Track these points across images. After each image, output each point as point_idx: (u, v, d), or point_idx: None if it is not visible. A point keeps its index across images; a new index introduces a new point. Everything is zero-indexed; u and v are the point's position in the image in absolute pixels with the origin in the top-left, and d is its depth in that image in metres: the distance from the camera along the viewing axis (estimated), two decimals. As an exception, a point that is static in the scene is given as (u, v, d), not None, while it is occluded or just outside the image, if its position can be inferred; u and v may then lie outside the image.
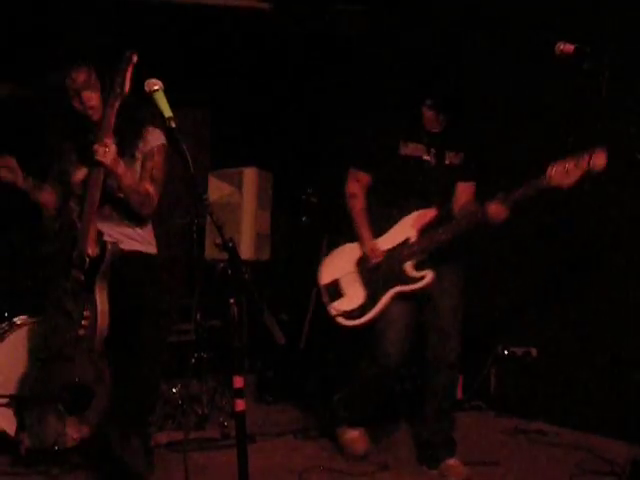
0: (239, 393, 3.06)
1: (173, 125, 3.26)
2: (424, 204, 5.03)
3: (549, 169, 4.52)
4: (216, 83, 8.47)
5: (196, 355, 6.44)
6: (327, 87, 8.18)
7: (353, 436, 5.45)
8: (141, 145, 4.67)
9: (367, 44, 7.81)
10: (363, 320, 5.04)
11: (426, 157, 5.03)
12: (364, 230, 5.13)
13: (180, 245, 7.83)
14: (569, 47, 4.13)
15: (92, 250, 4.45)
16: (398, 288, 5.00)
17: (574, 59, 4.12)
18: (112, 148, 4.30)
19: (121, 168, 4.41)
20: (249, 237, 6.78)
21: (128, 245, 4.70)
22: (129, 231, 4.74)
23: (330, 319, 5.15)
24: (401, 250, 5.02)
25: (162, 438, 5.71)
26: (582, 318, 5.96)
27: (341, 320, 5.11)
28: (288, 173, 7.78)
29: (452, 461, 5.12)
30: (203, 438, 5.82)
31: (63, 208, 4.78)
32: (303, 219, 7.70)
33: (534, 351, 6.31)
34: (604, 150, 4.41)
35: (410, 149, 5.04)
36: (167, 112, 3.32)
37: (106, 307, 4.48)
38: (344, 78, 8.01)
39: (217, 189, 6.99)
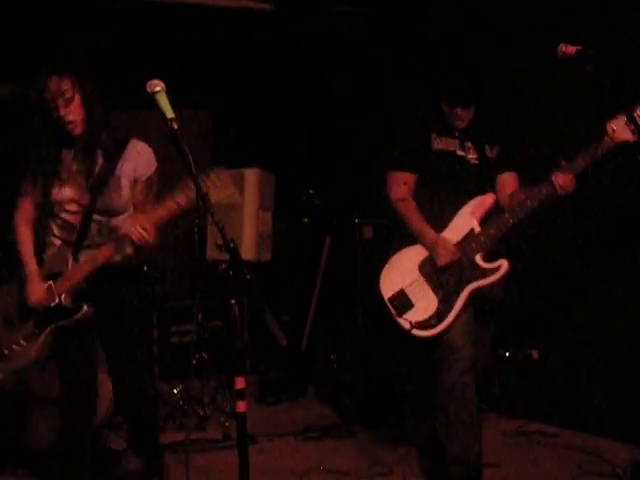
0: (241, 394, 3.06)
1: (175, 126, 3.25)
2: (468, 199, 4.76)
3: (608, 127, 4.31)
4: (217, 84, 8.48)
5: (197, 356, 6.44)
6: (328, 88, 8.18)
7: None
8: (128, 160, 4.30)
9: (368, 45, 7.80)
10: (443, 326, 4.60)
11: (460, 152, 4.81)
12: (426, 229, 4.73)
13: (182, 246, 7.84)
14: (571, 49, 4.12)
15: (65, 299, 4.21)
16: (474, 284, 4.63)
17: (576, 61, 4.11)
18: (151, 232, 4.00)
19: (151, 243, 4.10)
20: (251, 238, 6.77)
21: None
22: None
23: (404, 333, 4.70)
24: (468, 243, 4.66)
25: (163, 439, 5.72)
26: (584, 320, 5.96)
27: (417, 332, 4.64)
28: (290, 174, 7.78)
29: None
30: (204, 439, 5.84)
31: (42, 226, 4.38)
32: (304, 220, 7.71)
33: (536, 353, 6.30)
34: None
35: (443, 143, 4.81)
36: (169, 113, 3.31)
37: (42, 350, 4.25)
38: (345, 79, 8.01)
39: (219, 189, 6.98)
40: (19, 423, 5.37)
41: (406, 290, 4.71)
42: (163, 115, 3.32)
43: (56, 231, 4.34)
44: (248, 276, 2.94)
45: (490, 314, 4.97)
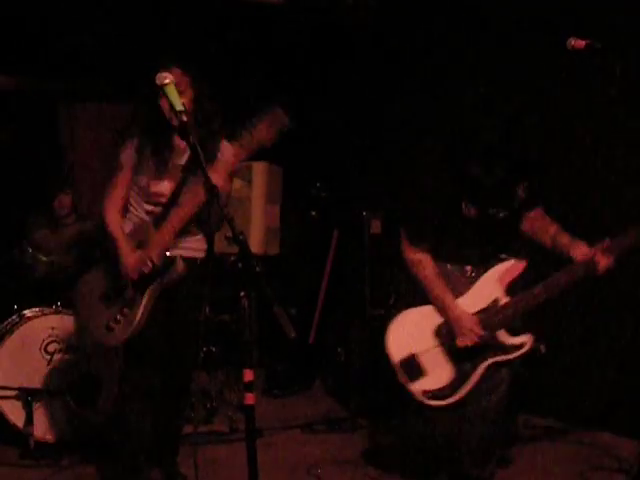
0: (249, 386, 3.05)
1: (184, 119, 3.25)
2: (503, 251, 4.40)
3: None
4: (225, 77, 8.47)
5: (205, 349, 6.44)
6: (336, 81, 8.17)
7: None
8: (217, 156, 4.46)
9: (376, 37, 7.79)
10: (455, 399, 4.29)
11: (491, 210, 4.29)
12: (449, 301, 4.30)
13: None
14: (580, 42, 4.06)
15: (157, 259, 4.38)
16: (494, 359, 4.28)
17: (585, 55, 4.07)
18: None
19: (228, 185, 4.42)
20: (258, 231, 6.78)
21: (191, 253, 4.62)
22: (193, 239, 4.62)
23: (411, 399, 4.37)
24: (492, 315, 4.28)
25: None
26: (591, 314, 5.95)
27: (428, 402, 4.31)
28: (297, 167, 7.78)
29: None
30: (211, 431, 5.85)
31: (133, 211, 4.61)
32: (312, 213, 7.70)
33: (543, 347, 6.28)
34: None
35: (474, 209, 4.30)
36: (178, 105, 3.32)
37: (147, 313, 4.40)
38: (354, 72, 8.00)
39: (227, 183, 6.98)
40: (27, 416, 5.39)
41: (419, 355, 4.36)
42: (172, 107, 3.33)
43: (143, 216, 4.56)
44: (257, 268, 2.94)
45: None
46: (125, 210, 4.64)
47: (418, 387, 4.31)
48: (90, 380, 5.55)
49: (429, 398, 4.30)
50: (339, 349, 6.90)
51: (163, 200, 4.48)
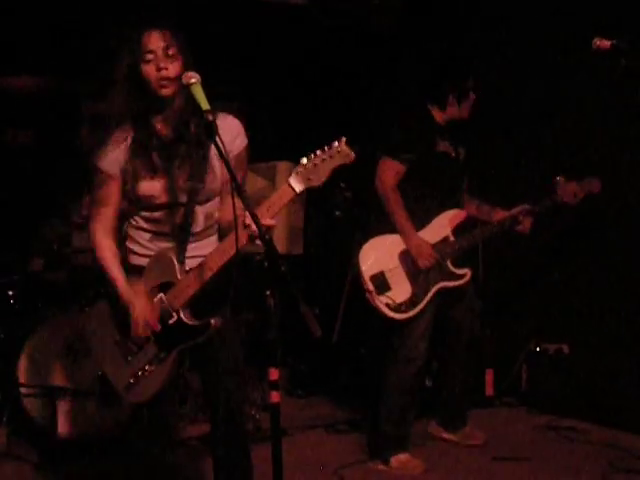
0: (274, 385, 3.05)
1: (210, 118, 3.25)
2: (453, 199, 5.46)
3: (558, 185, 5.26)
4: (249, 77, 8.48)
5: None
6: (360, 82, 8.17)
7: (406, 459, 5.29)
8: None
9: (400, 38, 7.78)
10: (412, 313, 5.20)
11: (453, 154, 5.44)
12: (411, 229, 5.25)
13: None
14: (606, 43, 4.05)
15: (186, 315, 3.62)
16: (443, 284, 5.29)
17: (611, 56, 4.05)
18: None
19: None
20: (282, 231, 6.78)
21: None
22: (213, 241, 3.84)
23: (373, 308, 5.25)
24: (443, 247, 5.29)
25: (194, 431, 5.74)
26: (615, 315, 5.92)
27: (388, 311, 5.19)
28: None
29: (468, 428, 5.71)
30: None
31: (128, 220, 3.82)
32: (336, 213, 7.69)
33: (566, 348, 6.27)
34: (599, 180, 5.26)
35: (444, 146, 5.38)
36: (205, 105, 3.31)
37: (172, 372, 3.70)
38: (377, 73, 8.00)
39: (250, 183, 6.99)
40: (51, 414, 5.42)
41: (386, 273, 5.26)
42: (198, 107, 3.32)
43: (143, 223, 3.77)
44: (283, 267, 2.93)
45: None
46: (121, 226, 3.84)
47: (384, 300, 5.18)
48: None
49: (390, 309, 5.19)
50: (362, 349, 6.90)
51: (158, 202, 3.67)
